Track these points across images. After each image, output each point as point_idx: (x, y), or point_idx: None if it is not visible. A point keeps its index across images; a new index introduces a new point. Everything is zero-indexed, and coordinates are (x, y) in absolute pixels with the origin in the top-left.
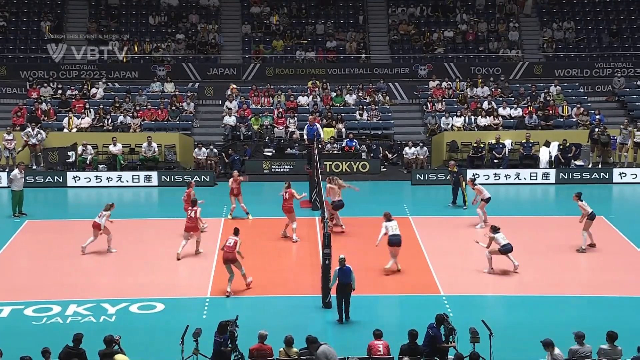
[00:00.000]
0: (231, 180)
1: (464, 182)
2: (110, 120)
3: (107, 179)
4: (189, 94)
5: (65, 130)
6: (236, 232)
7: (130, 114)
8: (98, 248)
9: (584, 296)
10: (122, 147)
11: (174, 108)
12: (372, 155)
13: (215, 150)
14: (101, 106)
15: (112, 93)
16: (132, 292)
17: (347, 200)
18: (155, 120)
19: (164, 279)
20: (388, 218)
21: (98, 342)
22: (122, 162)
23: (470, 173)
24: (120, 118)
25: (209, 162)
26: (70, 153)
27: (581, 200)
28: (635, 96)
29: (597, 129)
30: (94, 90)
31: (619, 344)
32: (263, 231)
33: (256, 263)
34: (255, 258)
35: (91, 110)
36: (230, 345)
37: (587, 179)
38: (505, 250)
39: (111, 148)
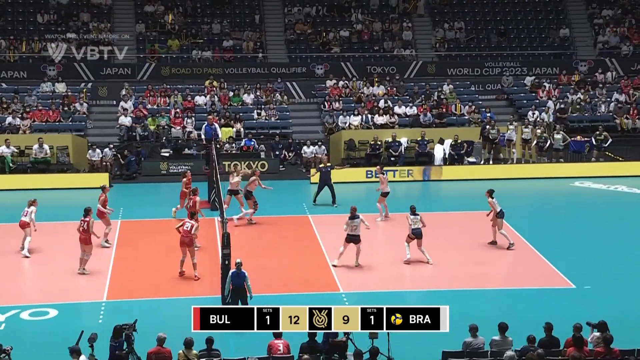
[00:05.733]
0: (184, 180)
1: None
2: None
3: None
4: (81, 94)
5: None
6: (192, 215)
7: (20, 115)
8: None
9: (475, 289)
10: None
11: (66, 109)
12: (276, 154)
13: (109, 151)
14: None
15: None
16: (23, 298)
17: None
18: (47, 122)
19: (58, 284)
20: (352, 214)
21: None
22: (11, 164)
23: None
24: (9, 119)
25: (104, 163)
26: None
27: (492, 197)
28: (522, 94)
29: (487, 126)
30: None
31: (509, 335)
32: (163, 232)
33: (157, 265)
34: (156, 260)
35: None
36: (125, 349)
37: (481, 174)
38: (415, 234)
39: (2, 149)
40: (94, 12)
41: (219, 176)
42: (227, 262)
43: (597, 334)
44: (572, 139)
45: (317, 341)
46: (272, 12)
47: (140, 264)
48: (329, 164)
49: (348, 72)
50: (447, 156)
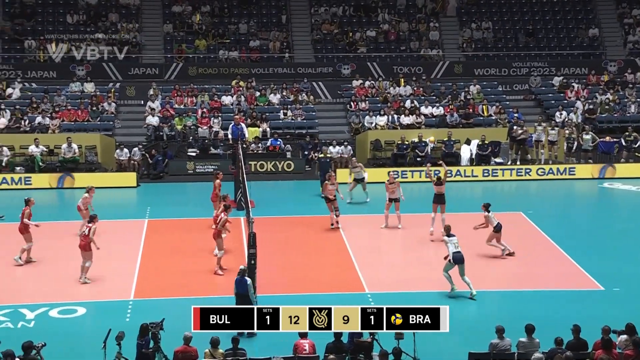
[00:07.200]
0: (217, 182)
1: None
2: (27, 121)
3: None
4: (109, 94)
5: None
6: (225, 208)
7: (49, 115)
8: (8, 253)
9: (502, 290)
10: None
11: (94, 108)
12: (305, 153)
13: (138, 151)
14: (17, 107)
15: (29, 93)
16: (52, 296)
17: (272, 199)
18: (75, 121)
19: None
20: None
21: (16, 349)
22: (40, 163)
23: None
24: (38, 119)
25: (131, 162)
26: None
27: (488, 212)
28: (550, 95)
29: (515, 127)
30: (9, 91)
31: (536, 337)
32: (189, 231)
33: (183, 264)
34: (183, 259)
35: (7, 111)
36: (151, 348)
37: (508, 175)
38: (455, 259)
39: (32, 148)
40: (122, 12)
41: (245, 176)
42: (252, 262)
43: (625, 336)
44: (601, 139)
45: (342, 341)
46: (298, 12)
47: (167, 263)
48: (329, 155)
49: (374, 72)
50: (473, 157)
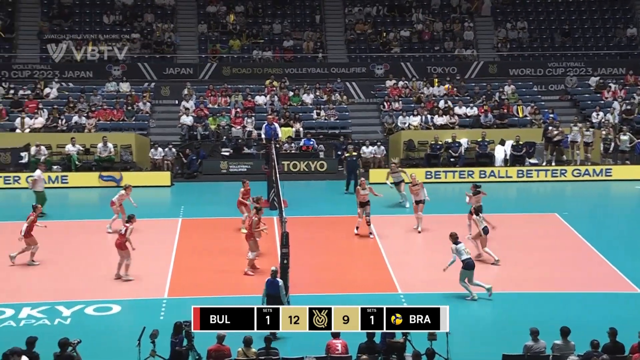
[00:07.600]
0: (242, 190)
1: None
2: (64, 121)
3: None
4: (144, 94)
5: (17, 130)
6: (257, 210)
7: (85, 114)
8: (46, 251)
9: (537, 292)
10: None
11: (129, 108)
12: (338, 153)
13: (173, 150)
14: (55, 106)
15: (66, 93)
16: (88, 294)
17: (305, 199)
18: (111, 121)
19: (120, 281)
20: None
21: (53, 346)
22: (77, 162)
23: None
24: (75, 118)
25: (165, 162)
26: (23, 154)
27: (477, 215)
28: (587, 95)
29: (550, 127)
30: (47, 90)
31: (571, 339)
32: (223, 230)
33: (217, 263)
34: (217, 258)
35: (44, 110)
36: (185, 346)
37: (543, 176)
38: (469, 266)
39: (69, 147)
40: (157, 12)
41: (278, 175)
42: (285, 262)
43: None
44: (639, 140)
45: (375, 342)
46: (332, 12)
47: (200, 262)
48: (354, 154)
49: (408, 72)
50: (508, 157)
